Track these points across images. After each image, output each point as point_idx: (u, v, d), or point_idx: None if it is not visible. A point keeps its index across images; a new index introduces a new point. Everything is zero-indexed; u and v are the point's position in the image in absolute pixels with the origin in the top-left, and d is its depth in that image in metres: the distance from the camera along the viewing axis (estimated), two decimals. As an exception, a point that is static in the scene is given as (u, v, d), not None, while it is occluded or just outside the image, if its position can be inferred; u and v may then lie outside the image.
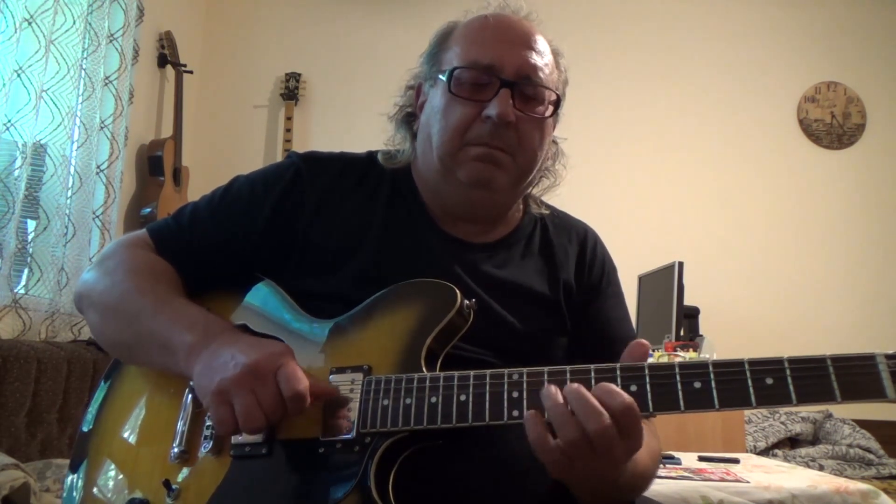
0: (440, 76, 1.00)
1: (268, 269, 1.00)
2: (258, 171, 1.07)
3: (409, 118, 1.09)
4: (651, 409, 0.73)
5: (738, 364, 0.72)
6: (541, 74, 0.99)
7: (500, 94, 0.94)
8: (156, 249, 1.02)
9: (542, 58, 1.00)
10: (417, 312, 0.88)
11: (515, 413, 0.77)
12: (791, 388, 0.70)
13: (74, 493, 0.93)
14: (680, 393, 0.73)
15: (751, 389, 0.71)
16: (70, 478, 0.95)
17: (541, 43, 1.01)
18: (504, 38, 0.99)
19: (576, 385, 0.73)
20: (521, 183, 1.02)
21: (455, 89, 0.97)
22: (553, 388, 0.73)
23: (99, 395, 1.01)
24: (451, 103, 0.97)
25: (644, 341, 0.80)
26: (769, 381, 0.71)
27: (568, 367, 0.77)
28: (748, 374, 0.71)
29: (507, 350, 0.95)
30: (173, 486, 0.85)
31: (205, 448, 0.86)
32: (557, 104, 1.01)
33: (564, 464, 0.73)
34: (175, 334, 0.88)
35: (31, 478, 1.51)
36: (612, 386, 0.73)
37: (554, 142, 1.08)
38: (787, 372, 0.70)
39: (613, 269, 1.14)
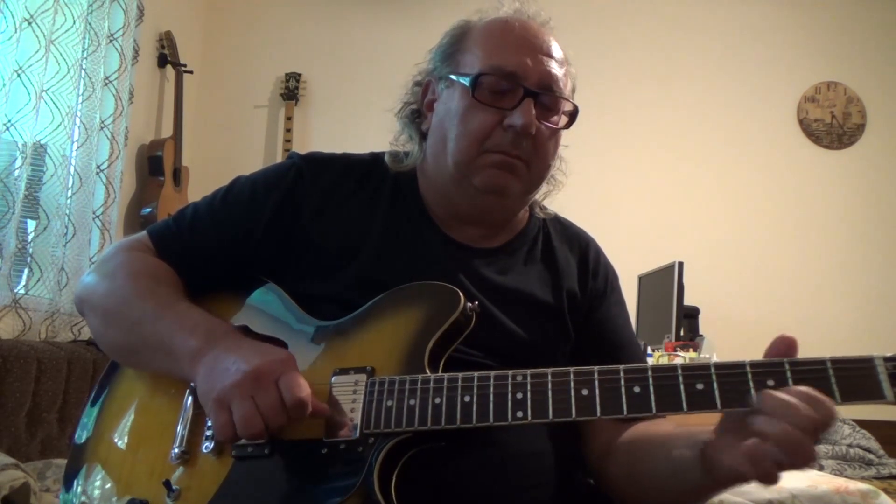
0: (457, 78, 0.99)
1: (269, 270, 1.00)
2: (259, 171, 1.06)
3: (413, 115, 1.08)
4: (654, 410, 0.73)
5: (740, 366, 0.72)
6: (560, 84, 0.99)
7: (523, 104, 0.94)
8: (156, 252, 1.01)
9: (561, 68, 1.00)
10: (420, 315, 0.88)
11: (519, 414, 0.77)
12: None
13: (73, 494, 0.92)
14: (683, 394, 0.73)
15: (752, 391, 0.71)
16: (69, 478, 0.94)
17: (558, 53, 1.01)
18: (528, 45, 0.98)
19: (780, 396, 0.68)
20: (532, 191, 1.03)
21: (478, 95, 0.96)
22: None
23: (98, 396, 1.00)
24: (471, 108, 0.96)
25: (789, 336, 0.73)
26: (771, 382, 0.71)
27: (571, 369, 0.77)
28: (750, 375, 0.71)
29: (510, 356, 0.94)
30: (174, 487, 0.84)
31: (206, 448, 0.86)
32: (573, 116, 1.01)
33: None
34: (177, 339, 0.88)
35: (31, 478, 1.51)
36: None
37: None
38: (788, 374, 0.70)
39: (616, 277, 1.14)
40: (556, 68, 0.98)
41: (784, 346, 0.73)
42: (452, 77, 1.00)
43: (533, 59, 0.97)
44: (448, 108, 0.99)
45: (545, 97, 0.97)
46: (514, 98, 0.95)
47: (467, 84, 0.97)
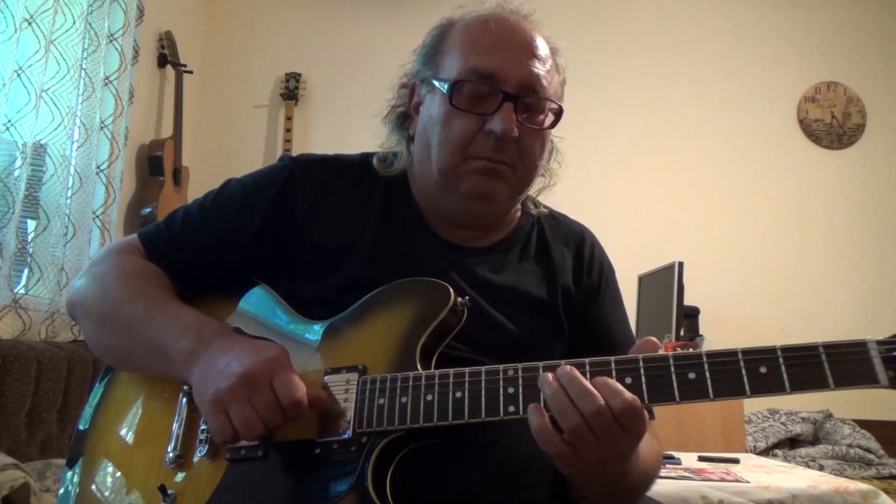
0: (437, 83, 0.97)
1: (261, 273, 0.99)
2: (250, 174, 1.05)
3: (402, 118, 1.06)
4: (646, 401, 0.74)
5: (731, 354, 0.73)
6: (543, 83, 0.96)
7: (503, 109, 0.92)
8: (146, 255, 1.00)
9: (543, 65, 0.96)
10: (411, 311, 0.87)
11: (511, 409, 0.77)
12: (785, 376, 0.71)
13: (69, 498, 0.92)
14: (675, 384, 0.73)
15: (745, 379, 0.71)
16: (65, 482, 0.94)
17: (542, 48, 0.97)
18: (506, 44, 0.95)
19: (568, 368, 0.74)
20: (520, 192, 1.01)
21: (456, 102, 0.94)
22: (550, 376, 0.74)
23: (94, 398, 1.00)
24: (451, 116, 0.94)
25: (654, 339, 0.78)
26: (763, 369, 0.71)
27: (563, 362, 0.77)
28: (742, 363, 0.72)
29: (505, 354, 0.93)
30: (169, 492, 0.84)
31: (200, 452, 0.86)
32: (558, 115, 0.98)
33: (570, 455, 0.73)
34: (170, 341, 0.88)
35: (31, 478, 1.52)
36: (611, 381, 0.73)
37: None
38: (781, 360, 0.71)
39: (612, 271, 1.12)
40: (538, 66, 0.95)
41: (646, 348, 0.76)
42: (433, 82, 0.98)
43: (512, 59, 0.94)
44: (430, 115, 0.98)
45: (528, 99, 0.94)
46: (494, 102, 0.92)
47: (445, 91, 0.94)
